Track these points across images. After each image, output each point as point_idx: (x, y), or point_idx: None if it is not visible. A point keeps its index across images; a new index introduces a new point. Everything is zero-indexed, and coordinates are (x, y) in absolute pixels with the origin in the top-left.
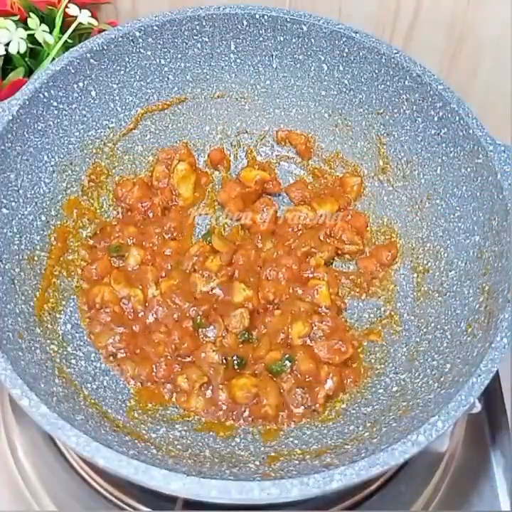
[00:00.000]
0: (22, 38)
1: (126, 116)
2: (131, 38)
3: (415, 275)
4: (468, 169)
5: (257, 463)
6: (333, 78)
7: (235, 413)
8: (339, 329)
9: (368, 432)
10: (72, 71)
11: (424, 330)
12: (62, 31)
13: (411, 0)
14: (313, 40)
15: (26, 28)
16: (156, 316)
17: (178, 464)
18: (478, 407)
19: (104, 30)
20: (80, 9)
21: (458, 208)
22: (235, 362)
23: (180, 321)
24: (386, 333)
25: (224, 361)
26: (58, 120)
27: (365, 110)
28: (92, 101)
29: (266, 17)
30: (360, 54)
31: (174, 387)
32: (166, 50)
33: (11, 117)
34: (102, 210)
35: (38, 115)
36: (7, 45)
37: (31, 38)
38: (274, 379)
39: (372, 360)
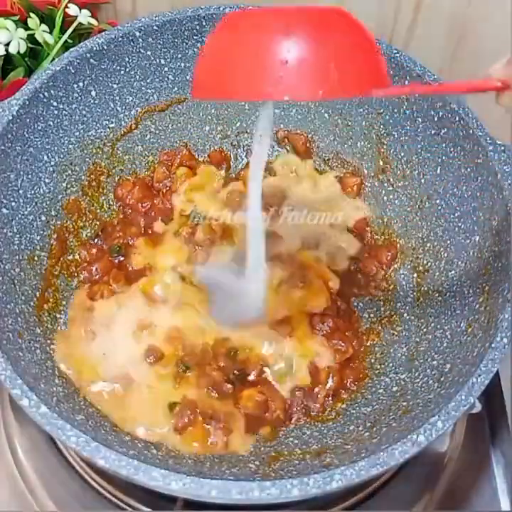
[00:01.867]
0: (22, 38)
1: (126, 116)
2: (131, 38)
3: (415, 275)
4: (468, 169)
5: (257, 463)
6: None
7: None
8: (339, 329)
9: (368, 432)
10: (72, 71)
11: (424, 330)
12: (62, 31)
13: (411, 0)
14: None
15: (26, 28)
16: None
17: (178, 464)
18: (478, 407)
19: (104, 30)
20: (80, 9)
21: (458, 208)
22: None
23: None
24: (386, 333)
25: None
26: (58, 120)
27: (365, 110)
28: (92, 101)
29: None
30: None
31: None
32: (166, 50)
33: (11, 117)
34: (102, 210)
35: (38, 115)
36: (7, 45)
37: (31, 38)
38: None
39: (372, 360)
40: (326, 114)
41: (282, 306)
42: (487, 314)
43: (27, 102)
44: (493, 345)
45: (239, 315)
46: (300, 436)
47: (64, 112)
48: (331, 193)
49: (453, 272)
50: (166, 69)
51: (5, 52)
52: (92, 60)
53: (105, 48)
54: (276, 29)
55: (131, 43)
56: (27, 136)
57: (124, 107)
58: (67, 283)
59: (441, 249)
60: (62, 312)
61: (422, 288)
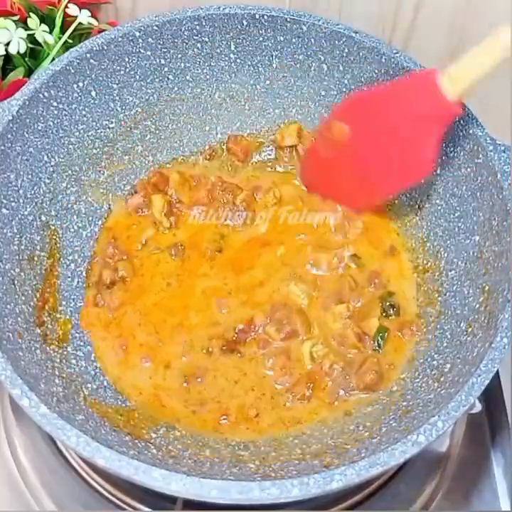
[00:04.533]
0: (22, 38)
1: (126, 116)
2: (131, 38)
3: (415, 275)
4: (468, 169)
5: (257, 463)
6: (333, 78)
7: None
8: None
9: (368, 432)
10: (72, 71)
11: (424, 330)
12: (62, 31)
13: (411, 0)
14: (313, 40)
15: (26, 28)
16: None
17: (178, 464)
18: (478, 407)
19: (104, 30)
20: (80, 9)
21: (458, 208)
22: None
23: None
24: None
25: None
26: (58, 120)
27: None
28: (92, 101)
29: (266, 17)
30: (360, 54)
31: None
32: (166, 50)
33: (11, 117)
34: (103, 210)
35: (38, 115)
36: (7, 45)
37: (31, 38)
38: None
39: None
40: (326, 115)
41: None
42: (487, 314)
43: (27, 102)
44: (493, 345)
45: None
46: (300, 436)
47: (64, 112)
48: None
49: (453, 271)
50: (166, 69)
51: (5, 52)
52: (92, 60)
53: (105, 47)
54: None
55: (131, 43)
56: (27, 136)
57: (124, 107)
58: (67, 283)
59: (441, 249)
60: (62, 312)
61: (422, 288)
